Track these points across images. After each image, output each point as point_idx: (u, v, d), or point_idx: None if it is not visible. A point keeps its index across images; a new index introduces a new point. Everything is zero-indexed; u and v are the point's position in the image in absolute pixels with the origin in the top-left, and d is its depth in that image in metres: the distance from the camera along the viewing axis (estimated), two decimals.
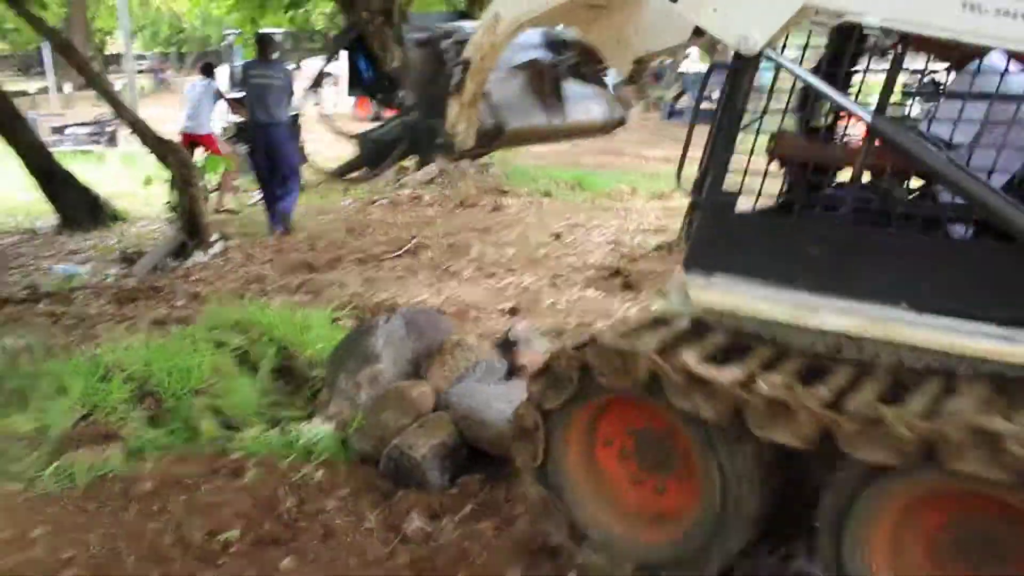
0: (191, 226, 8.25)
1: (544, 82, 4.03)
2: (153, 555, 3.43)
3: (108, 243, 9.31)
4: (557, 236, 8.83)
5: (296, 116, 10.50)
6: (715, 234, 3.10)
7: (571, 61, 4.05)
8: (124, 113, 8.87)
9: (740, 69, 2.94)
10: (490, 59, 3.53)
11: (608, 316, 6.51)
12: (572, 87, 4.12)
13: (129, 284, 7.47)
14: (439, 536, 3.62)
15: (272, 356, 5.06)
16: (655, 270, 7.45)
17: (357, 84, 4.42)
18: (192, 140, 10.33)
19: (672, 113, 22.33)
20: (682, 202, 10.48)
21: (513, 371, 4.67)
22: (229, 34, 24.05)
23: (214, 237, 8.47)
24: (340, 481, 4.02)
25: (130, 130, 8.93)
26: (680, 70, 22.37)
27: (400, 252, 8.16)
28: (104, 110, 14.17)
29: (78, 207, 10.02)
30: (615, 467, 3.32)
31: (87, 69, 9.88)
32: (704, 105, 3.70)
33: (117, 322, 6.20)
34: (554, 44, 4.06)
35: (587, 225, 9.34)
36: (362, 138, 4.31)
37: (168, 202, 8.66)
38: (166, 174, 8.51)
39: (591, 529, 3.26)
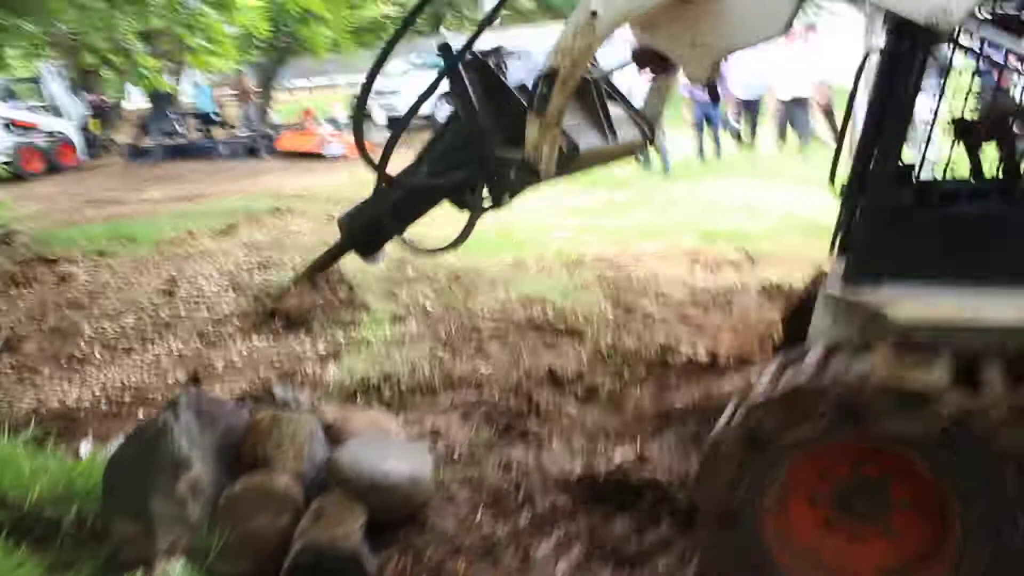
0: None
1: (594, 101, 3.60)
2: None
3: None
4: (169, 293, 7.83)
5: None
6: (897, 236, 2.85)
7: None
8: None
9: (912, 52, 2.76)
10: (582, 65, 3.07)
11: (299, 358, 6.06)
12: (611, 106, 3.76)
13: None
14: None
15: None
16: (311, 302, 7.02)
17: None
18: None
19: (137, 153, 20.83)
20: (256, 234, 10.19)
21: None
22: None
23: None
24: None
25: None
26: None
27: None
28: None
29: None
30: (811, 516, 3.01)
31: None
32: None
33: None
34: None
35: (185, 276, 8.40)
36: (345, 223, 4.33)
37: None
38: None
39: None
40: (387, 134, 16.04)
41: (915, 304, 2.78)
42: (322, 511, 3.49)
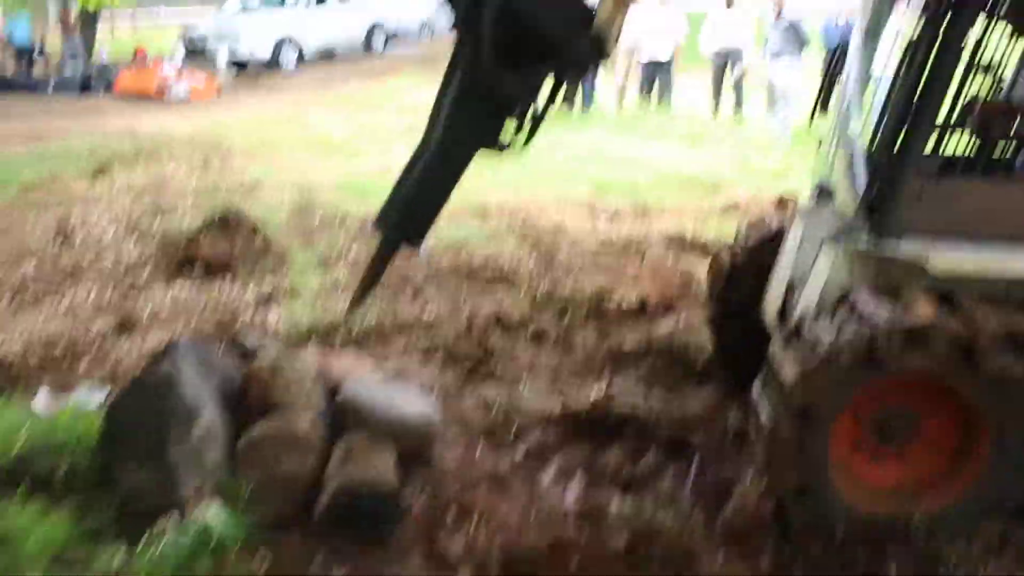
0: None
1: None
2: None
3: None
4: (63, 239, 7.45)
5: None
6: (929, 195, 3.16)
7: None
8: None
9: (958, 14, 2.99)
10: None
11: (229, 306, 6.03)
12: None
13: None
14: None
15: None
16: (222, 249, 6.91)
17: None
18: None
19: None
20: (132, 177, 9.75)
21: None
22: None
23: None
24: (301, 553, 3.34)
25: None
26: None
27: None
28: None
29: None
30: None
31: None
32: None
33: None
34: None
35: (73, 222, 8.00)
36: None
37: None
38: None
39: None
40: (229, 75, 15.53)
41: (952, 257, 3.18)
42: (351, 451, 3.61)
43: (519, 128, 3.68)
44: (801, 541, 3.34)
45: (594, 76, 13.57)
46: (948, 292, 3.19)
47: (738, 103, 13.56)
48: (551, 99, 3.68)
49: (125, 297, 6.31)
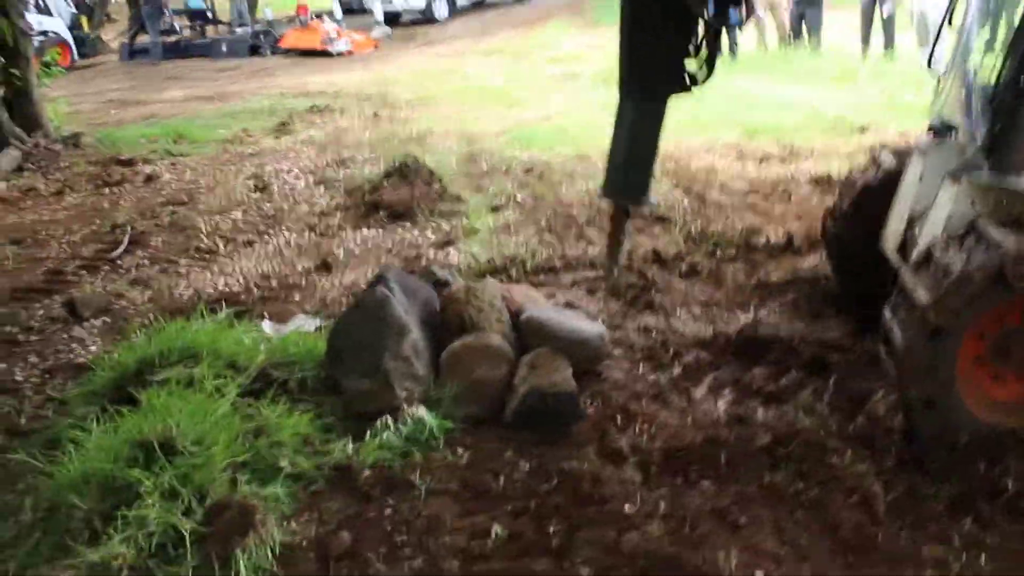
0: None
1: None
2: None
3: None
4: (262, 189, 8.47)
5: None
6: None
7: None
8: None
9: None
10: None
11: (414, 246, 6.77)
12: None
13: None
14: None
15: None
16: (409, 194, 7.67)
17: None
18: None
19: (133, 53, 20.85)
20: (311, 132, 10.72)
21: None
22: None
23: None
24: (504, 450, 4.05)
25: None
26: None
27: (122, 249, 7.16)
28: None
29: None
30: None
31: None
32: None
33: None
34: None
35: (267, 173, 9.01)
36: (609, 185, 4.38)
37: None
38: None
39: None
40: (386, 29, 16.34)
41: None
42: (536, 362, 4.30)
43: (703, 62, 4.13)
44: (926, 448, 3.80)
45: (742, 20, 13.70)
46: None
47: (889, 40, 13.39)
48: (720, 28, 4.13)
49: (321, 240, 7.19)
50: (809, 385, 4.50)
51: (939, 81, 4.44)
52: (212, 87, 15.87)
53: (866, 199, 4.93)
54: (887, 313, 3.90)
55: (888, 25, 13.25)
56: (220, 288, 6.30)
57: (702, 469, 3.81)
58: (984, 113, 3.76)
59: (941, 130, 4.41)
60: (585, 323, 4.72)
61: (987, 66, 3.93)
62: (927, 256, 3.77)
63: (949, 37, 4.42)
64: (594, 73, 13.24)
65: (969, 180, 3.81)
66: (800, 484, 3.62)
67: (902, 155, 4.77)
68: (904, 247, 4.43)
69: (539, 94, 12.60)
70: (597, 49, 15.26)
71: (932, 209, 4.16)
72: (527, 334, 4.54)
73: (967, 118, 3.91)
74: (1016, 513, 3.44)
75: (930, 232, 4.06)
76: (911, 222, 4.42)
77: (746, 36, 14.29)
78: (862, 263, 4.92)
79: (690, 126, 9.66)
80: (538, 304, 4.90)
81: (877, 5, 13.24)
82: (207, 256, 6.99)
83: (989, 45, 3.96)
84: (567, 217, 7.02)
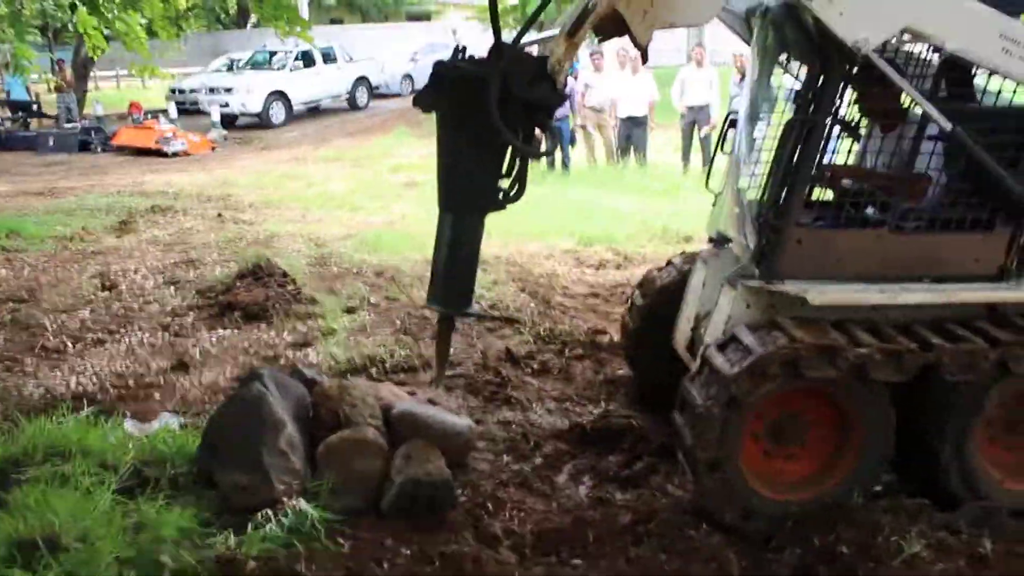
0: None
1: None
2: None
3: None
4: (108, 287, 8.34)
5: None
6: (804, 248, 4.16)
7: None
8: None
9: (833, 78, 3.96)
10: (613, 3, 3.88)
11: (272, 346, 6.91)
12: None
13: None
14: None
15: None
16: (264, 295, 7.80)
17: None
18: None
19: None
20: (155, 232, 10.61)
21: None
22: None
23: None
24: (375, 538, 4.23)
25: None
26: None
27: None
28: None
29: None
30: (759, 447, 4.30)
31: None
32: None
33: None
34: None
35: (113, 272, 8.89)
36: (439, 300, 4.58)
37: None
38: None
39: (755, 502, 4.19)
40: (222, 131, 16.43)
41: (826, 293, 4.16)
42: (411, 453, 4.53)
43: (514, 182, 4.40)
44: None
45: (571, 138, 14.77)
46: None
47: (706, 158, 14.59)
48: (530, 149, 4.45)
49: (176, 340, 7.17)
50: (661, 469, 4.94)
51: (716, 197, 5.04)
52: (41, 182, 15.40)
53: (661, 298, 5.51)
54: (676, 413, 4.40)
55: (705, 144, 14.39)
56: (73, 387, 6.19)
57: (572, 548, 4.14)
58: (753, 227, 4.37)
59: (719, 240, 5.01)
60: (453, 417, 5.02)
61: (754, 186, 4.57)
62: (704, 361, 4.30)
63: (723, 160, 5.04)
64: (435, 182, 13.72)
65: (743, 285, 4.39)
66: (663, 556, 4.00)
67: (694, 259, 5.35)
68: (692, 345, 5.00)
69: (382, 201, 12.97)
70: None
71: (714, 311, 4.69)
72: (399, 427, 4.77)
73: (740, 231, 4.52)
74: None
75: (712, 333, 4.57)
76: (697, 322, 5.02)
77: (577, 152, 15.29)
78: (656, 357, 5.46)
79: (530, 234, 10.26)
80: (404, 400, 5.15)
81: (695, 127, 14.52)
82: (55, 355, 6.84)
83: (755, 168, 4.57)
84: (421, 318, 7.33)
